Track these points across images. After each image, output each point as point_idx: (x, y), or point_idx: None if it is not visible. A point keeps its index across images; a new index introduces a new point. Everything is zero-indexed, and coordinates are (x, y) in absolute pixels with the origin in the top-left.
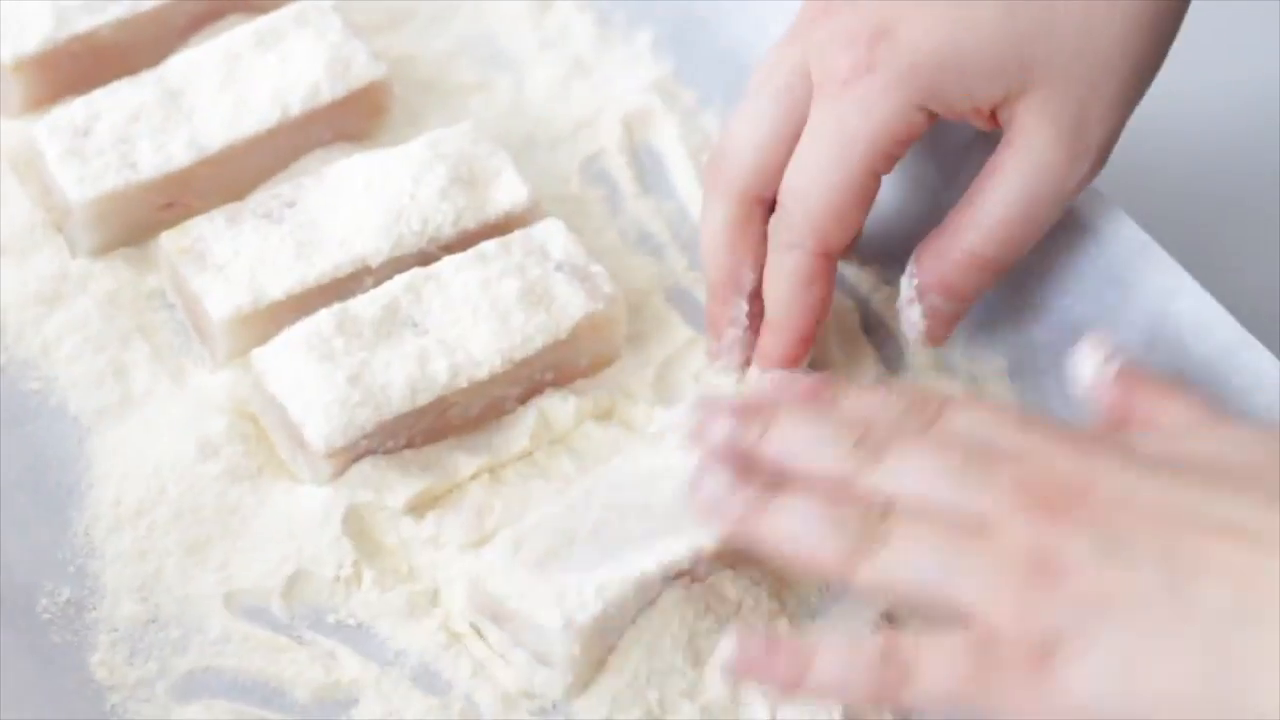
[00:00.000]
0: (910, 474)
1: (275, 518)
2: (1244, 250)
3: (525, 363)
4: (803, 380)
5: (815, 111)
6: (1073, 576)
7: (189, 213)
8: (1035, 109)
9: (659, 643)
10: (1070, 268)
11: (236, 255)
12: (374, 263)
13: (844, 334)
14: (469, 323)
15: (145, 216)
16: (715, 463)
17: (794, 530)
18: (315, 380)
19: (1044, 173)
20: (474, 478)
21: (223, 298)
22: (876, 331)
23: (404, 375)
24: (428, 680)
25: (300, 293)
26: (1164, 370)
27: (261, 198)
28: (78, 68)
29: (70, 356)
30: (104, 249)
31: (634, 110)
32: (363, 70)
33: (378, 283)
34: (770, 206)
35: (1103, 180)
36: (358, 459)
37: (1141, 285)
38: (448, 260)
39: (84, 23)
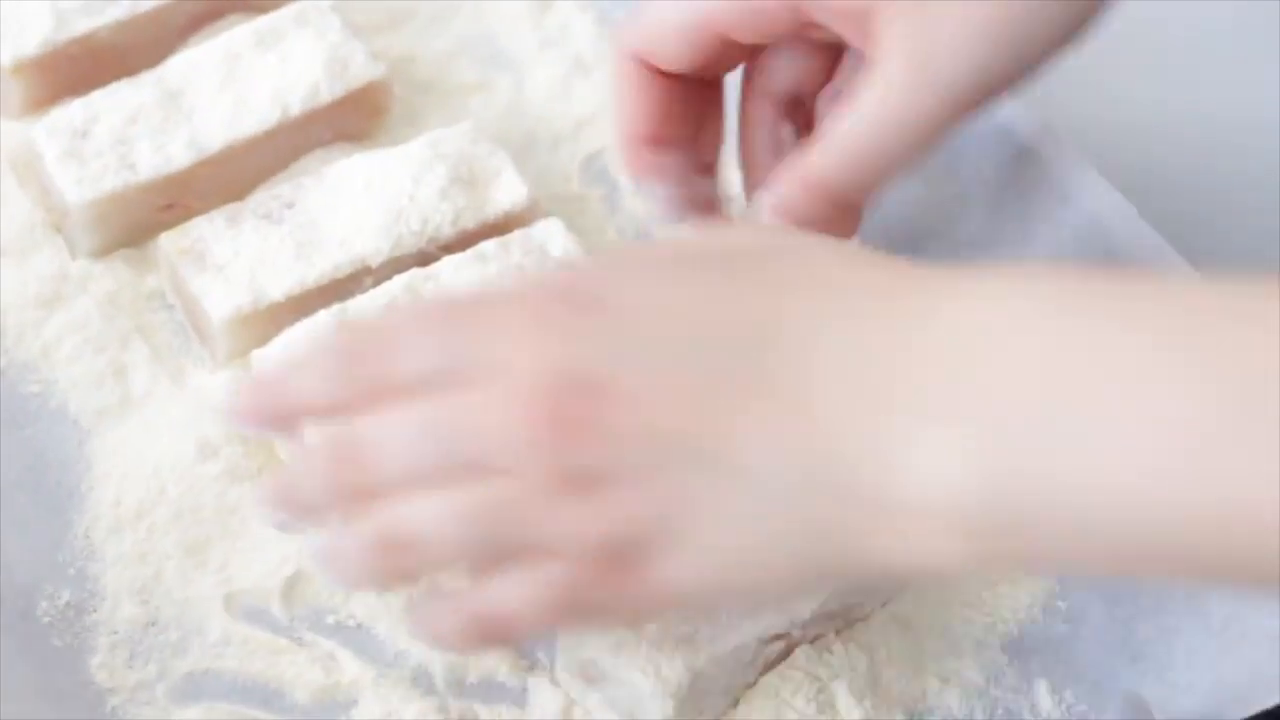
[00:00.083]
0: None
1: None
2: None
3: None
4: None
5: None
6: (612, 483)
7: (189, 214)
8: (896, 29)
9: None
10: (1075, 260)
11: (236, 256)
12: (374, 263)
13: None
14: None
15: (145, 218)
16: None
17: None
18: None
19: (889, 100)
20: None
21: (222, 298)
22: None
23: None
24: (427, 681)
25: (300, 293)
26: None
27: (261, 198)
28: (77, 69)
29: (70, 358)
30: (103, 250)
31: None
32: (362, 70)
33: (377, 283)
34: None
35: (1110, 178)
36: None
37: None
38: (447, 260)
39: (83, 24)
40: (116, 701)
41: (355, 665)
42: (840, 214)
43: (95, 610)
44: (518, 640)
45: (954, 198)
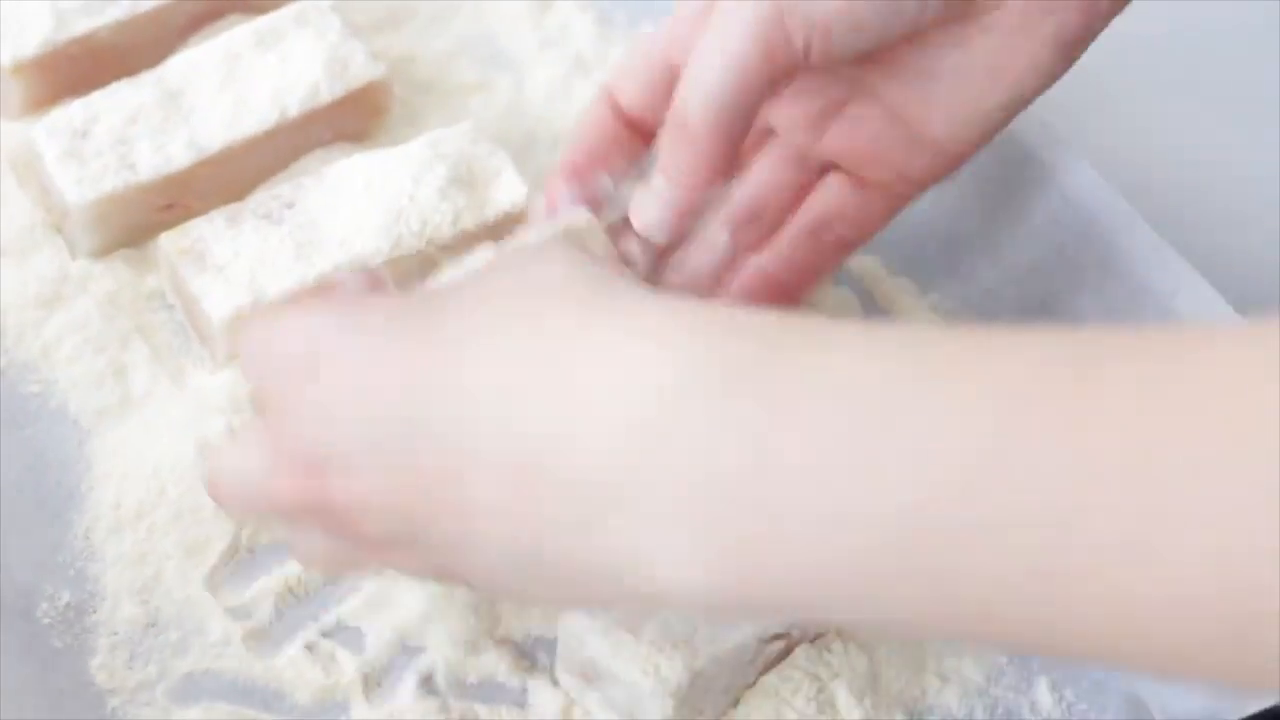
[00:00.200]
0: None
1: None
2: (1248, 246)
3: None
4: None
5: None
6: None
7: (188, 214)
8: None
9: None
10: (1075, 261)
11: (236, 256)
12: (374, 263)
13: None
14: None
15: (145, 218)
16: None
17: None
18: None
19: (743, 35)
20: None
21: (222, 298)
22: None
23: None
24: (428, 682)
25: (300, 293)
26: None
27: (261, 198)
28: (77, 69)
29: (70, 358)
30: (103, 250)
31: None
32: (362, 70)
33: None
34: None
35: (1110, 178)
36: None
37: (1146, 280)
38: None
39: (83, 24)
40: (116, 702)
41: (355, 665)
42: (700, 157)
43: (95, 611)
44: None
45: (954, 196)
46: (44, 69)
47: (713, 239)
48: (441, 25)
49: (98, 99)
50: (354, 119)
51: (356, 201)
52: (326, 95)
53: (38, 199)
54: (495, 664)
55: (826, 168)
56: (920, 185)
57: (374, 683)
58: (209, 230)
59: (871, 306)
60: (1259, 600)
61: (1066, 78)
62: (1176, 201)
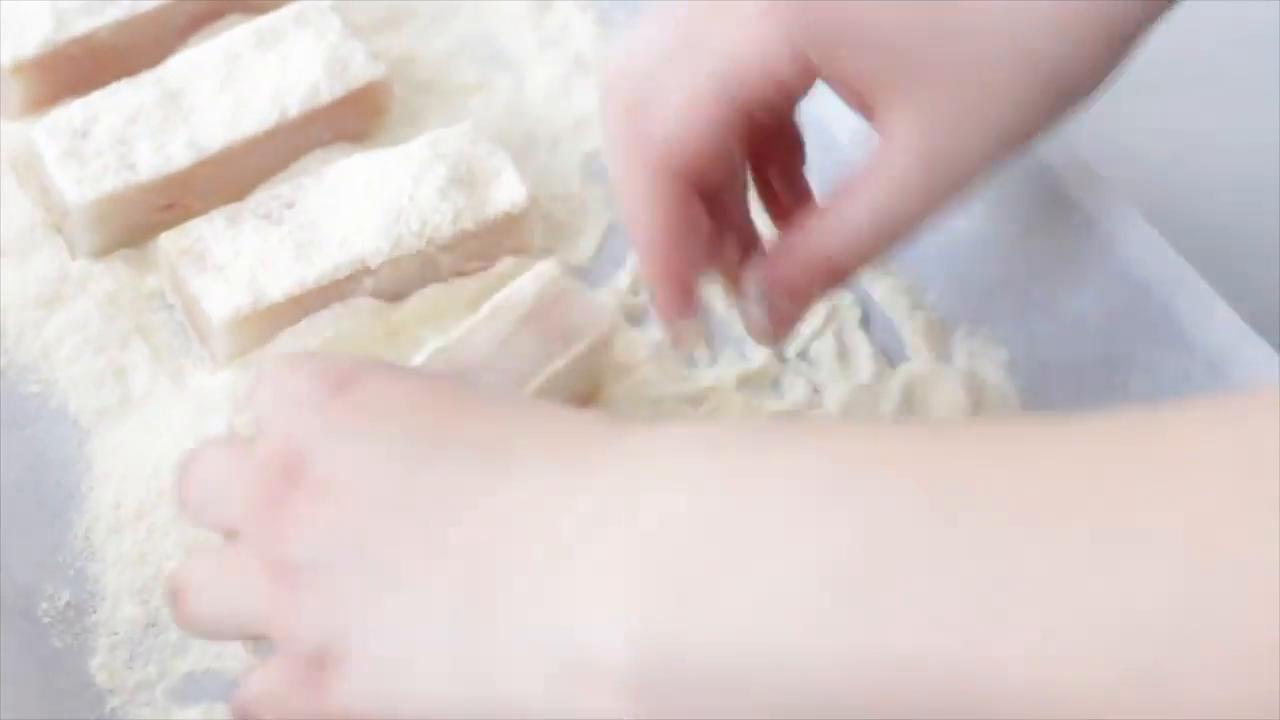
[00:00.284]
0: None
1: None
2: (1247, 244)
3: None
4: None
5: (705, 36)
6: (308, 583)
7: (188, 214)
8: (915, 122)
9: None
10: (1074, 261)
11: (236, 256)
12: (374, 263)
13: (843, 329)
14: None
15: (144, 218)
16: None
17: None
18: None
19: (908, 193)
20: None
21: (222, 299)
22: (877, 325)
23: None
24: None
25: (300, 294)
26: None
27: (261, 198)
28: (76, 69)
29: (70, 358)
30: (103, 250)
31: None
32: (362, 70)
33: (378, 283)
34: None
35: (1109, 173)
36: None
37: (1145, 280)
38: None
39: (83, 24)
40: (116, 702)
41: None
42: (838, 283)
43: (95, 611)
44: None
45: None
46: (44, 69)
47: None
48: (441, 25)
49: (98, 99)
50: (354, 119)
51: (356, 201)
52: (326, 95)
53: (38, 199)
54: None
55: None
56: None
57: None
58: (209, 230)
59: (870, 307)
60: None
61: None
62: (1175, 198)
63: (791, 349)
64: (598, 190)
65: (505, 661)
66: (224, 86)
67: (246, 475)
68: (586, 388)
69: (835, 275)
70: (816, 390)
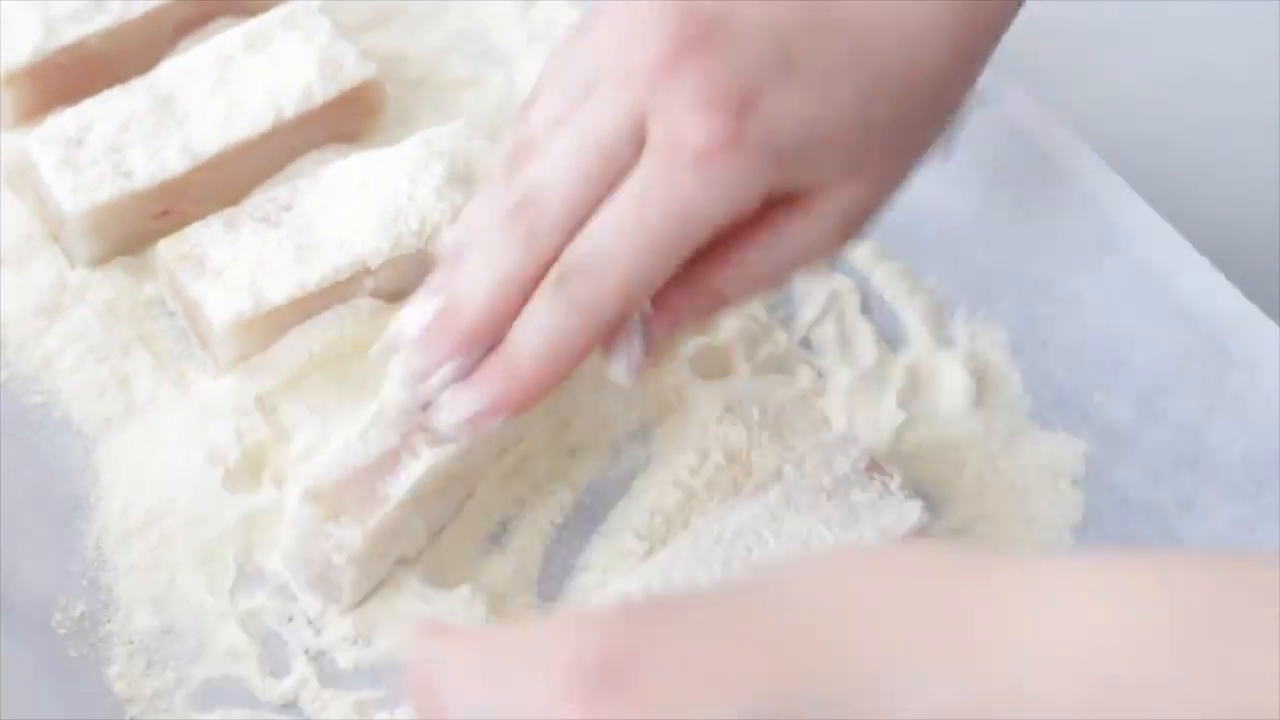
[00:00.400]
0: None
1: None
2: (1246, 221)
3: None
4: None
5: (651, 175)
6: None
7: (184, 220)
8: (841, 202)
9: None
10: (1073, 241)
11: (235, 260)
12: (374, 263)
13: (843, 314)
14: None
15: (141, 225)
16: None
17: None
18: None
19: (815, 251)
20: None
21: (223, 303)
22: (876, 309)
23: None
24: None
25: (301, 296)
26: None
27: (257, 202)
28: (67, 78)
29: (72, 367)
30: (101, 258)
31: None
32: (354, 70)
33: (378, 283)
34: None
35: (1107, 154)
36: None
37: (1145, 258)
38: None
39: (73, 33)
40: (135, 710)
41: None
42: (714, 315)
43: (110, 620)
44: None
45: (949, 179)
46: (35, 78)
47: None
48: (431, 22)
49: (90, 107)
50: (347, 119)
51: (353, 202)
52: (319, 96)
53: (34, 209)
54: None
55: None
56: None
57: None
58: (207, 235)
59: (869, 292)
60: None
61: (1067, 66)
62: (1176, 181)
63: (793, 336)
64: None
65: None
66: (216, 91)
67: None
68: None
69: (723, 310)
70: (821, 376)
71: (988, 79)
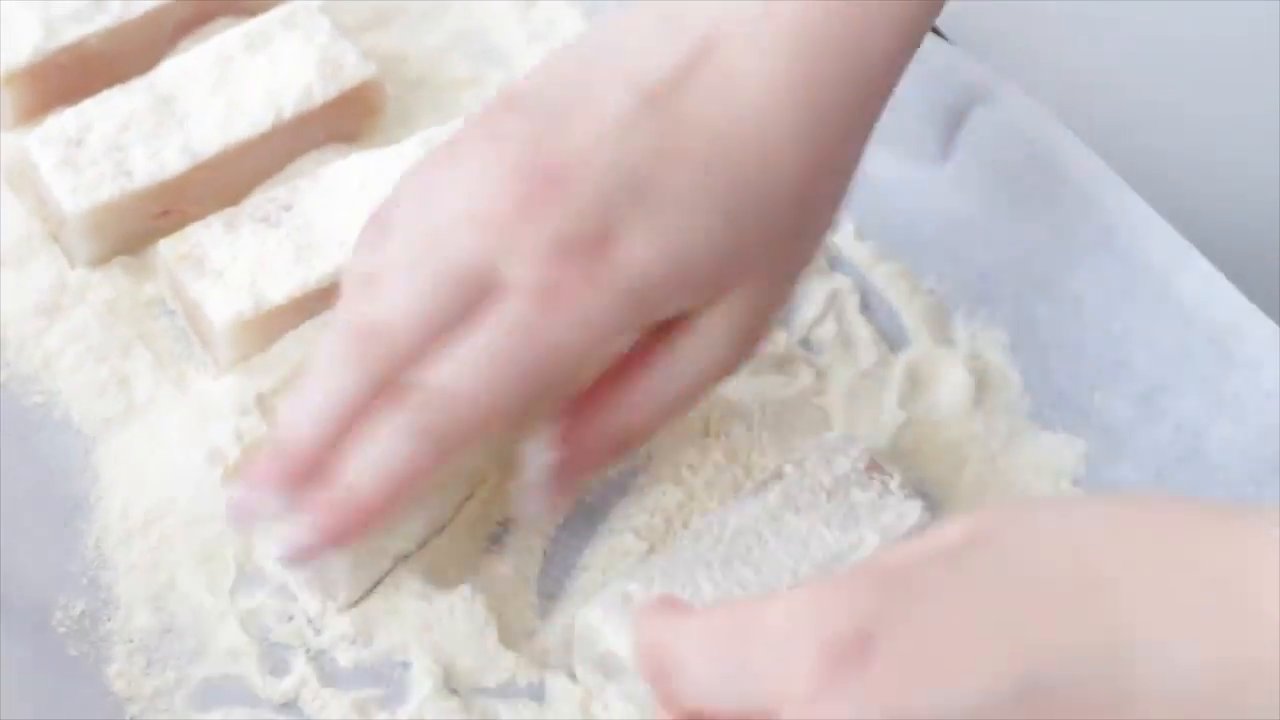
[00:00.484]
0: None
1: None
2: (1246, 221)
3: None
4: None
5: (508, 313)
6: None
7: (184, 219)
8: (719, 315)
9: None
10: (1073, 241)
11: (235, 260)
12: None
13: (843, 314)
14: None
15: (141, 225)
16: None
17: None
18: None
19: (715, 369)
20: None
21: (223, 303)
22: (876, 309)
23: None
24: (447, 683)
25: (301, 296)
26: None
27: (258, 202)
28: (67, 78)
29: (72, 367)
30: (101, 258)
31: None
32: (354, 70)
33: None
34: None
35: (1106, 154)
36: None
37: (1145, 258)
38: None
39: (73, 33)
40: (135, 709)
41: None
42: (626, 453)
43: (110, 619)
44: None
45: (948, 179)
46: (35, 78)
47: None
48: (431, 22)
49: (90, 107)
50: (347, 119)
51: (353, 202)
52: (319, 96)
53: (34, 209)
54: (514, 662)
55: None
56: None
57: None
58: (207, 235)
59: (869, 292)
60: None
61: (1066, 67)
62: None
63: (793, 336)
64: None
65: None
66: (216, 90)
67: None
68: None
69: (632, 444)
70: (821, 376)
71: (987, 79)
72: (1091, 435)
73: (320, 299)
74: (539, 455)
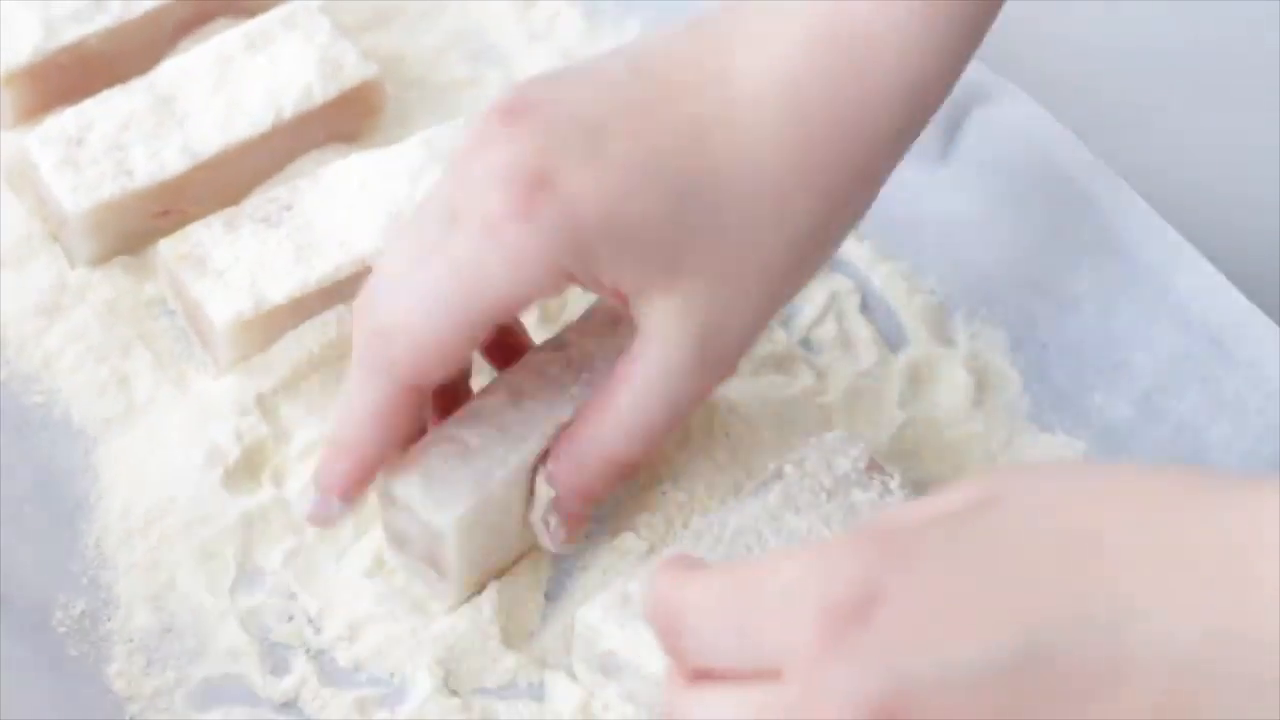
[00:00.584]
0: None
1: None
2: (1246, 221)
3: None
4: None
5: (449, 243)
6: None
7: (185, 219)
8: (675, 311)
9: None
10: (1073, 240)
11: (236, 260)
12: (374, 263)
13: (843, 314)
14: None
15: (141, 224)
16: None
17: None
18: None
19: (679, 380)
20: None
21: (224, 303)
22: (876, 309)
23: None
24: (447, 683)
25: (301, 295)
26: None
27: (258, 202)
28: (67, 78)
29: (72, 367)
30: (101, 258)
31: None
32: (354, 70)
33: None
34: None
35: (1106, 154)
36: None
37: (1145, 258)
38: None
39: (72, 33)
40: (135, 709)
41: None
42: (628, 477)
43: (110, 619)
44: None
45: (949, 180)
46: (35, 78)
47: None
48: (430, 22)
49: (90, 106)
50: (347, 119)
51: (354, 202)
52: (319, 96)
53: (34, 208)
54: (513, 663)
55: None
56: None
57: (393, 686)
58: (207, 235)
59: (869, 292)
60: None
61: (1064, 65)
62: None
63: (794, 336)
64: None
65: None
66: (216, 90)
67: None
68: None
69: (621, 470)
70: (820, 375)
71: (987, 79)
72: (1091, 435)
73: (320, 299)
74: (545, 492)
